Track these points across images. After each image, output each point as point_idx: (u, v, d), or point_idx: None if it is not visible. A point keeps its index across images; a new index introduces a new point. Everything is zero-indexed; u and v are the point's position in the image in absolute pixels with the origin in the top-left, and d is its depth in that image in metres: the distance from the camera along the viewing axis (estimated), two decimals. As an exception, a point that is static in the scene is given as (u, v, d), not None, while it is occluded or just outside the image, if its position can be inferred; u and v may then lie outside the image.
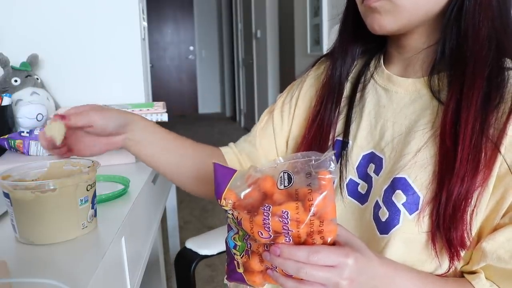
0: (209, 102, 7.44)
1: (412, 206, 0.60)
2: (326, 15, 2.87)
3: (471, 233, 0.58)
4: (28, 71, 1.24)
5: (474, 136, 0.56)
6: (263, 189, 0.51)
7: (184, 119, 6.96)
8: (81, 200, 0.58)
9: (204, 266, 2.17)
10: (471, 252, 0.60)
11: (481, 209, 0.57)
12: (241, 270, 0.56)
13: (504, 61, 0.60)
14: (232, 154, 0.82)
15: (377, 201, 0.63)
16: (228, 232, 0.57)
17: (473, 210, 0.57)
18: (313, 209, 0.48)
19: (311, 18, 3.20)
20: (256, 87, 5.20)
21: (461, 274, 0.62)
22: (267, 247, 0.52)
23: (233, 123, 6.52)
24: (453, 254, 0.58)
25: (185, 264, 0.98)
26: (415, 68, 0.67)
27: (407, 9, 0.60)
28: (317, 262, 0.49)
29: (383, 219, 0.61)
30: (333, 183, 0.51)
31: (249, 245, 0.54)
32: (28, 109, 1.15)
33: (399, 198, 0.60)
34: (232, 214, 0.53)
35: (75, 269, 0.51)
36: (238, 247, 0.55)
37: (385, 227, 0.61)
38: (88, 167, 0.63)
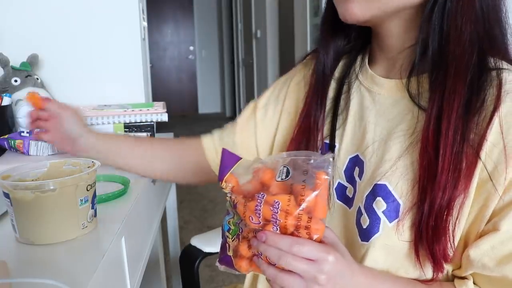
0: (209, 102, 7.44)
1: (392, 214, 0.59)
2: (326, 15, 2.87)
3: (453, 245, 0.57)
4: (28, 71, 1.24)
5: (456, 145, 0.54)
6: (262, 180, 0.54)
7: (184, 119, 6.96)
8: (81, 200, 0.58)
9: (204, 266, 2.17)
10: (461, 256, 0.59)
11: (463, 216, 0.56)
12: (230, 253, 0.58)
13: (488, 61, 0.58)
14: (212, 147, 0.84)
15: (359, 207, 0.62)
16: (225, 215, 0.60)
17: (455, 221, 0.56)
18: (303, 204, 0.50)
19: (311, 18, 3.20)
20: (256, 87, 5.19)
21: (453, 278, 0.61)
22: (255, 234, 0.54)
23: (233, 123, 6.52)
24: (436, 266, 0.57)
25: (189, 261, 1.02)
26: (397, 69, 0.65)
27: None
28: (297, 253, 0.50)
29: (364, 226, 0.61)
30: (329, 185, 0.52)
31: (241, 230, 0.57)
32: (28, 109, 1.15)
33: (380, 205, 0.59)
34: (230, 197, 0.56)
35: (75, 269, 0.51)
36: (231, 230, 0.58)
37: (366, 235, 0.60)
38: (88, 167, 0.63)
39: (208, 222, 2.79)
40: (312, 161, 0.51)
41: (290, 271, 0.51)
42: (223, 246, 0.60)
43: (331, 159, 0.51)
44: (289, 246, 0.51)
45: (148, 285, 1.36)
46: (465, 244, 0.58)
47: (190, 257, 1.02)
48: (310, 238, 0.52)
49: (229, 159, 0.57)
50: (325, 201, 0.51)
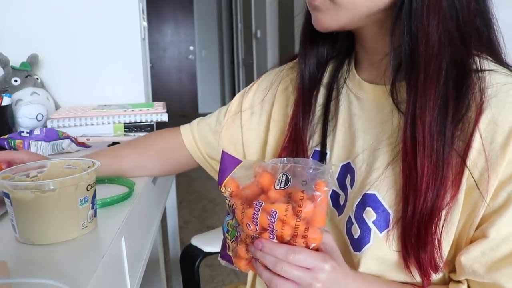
0: (209, 102, 7.44)
1: (382, 224, 0.58)
2: (326, 15, 2.87)
3: (441, 254, 0.56)
4: (28, 71, 1.24)
5: (434, 153, 0.53)
6: (261, 184, 0.54)
7: (184, 119, 6.91)
8: (81, 200, 0.58)
9: (204, 266, 2.17)
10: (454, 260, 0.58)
11: (452, 224, 0.55)
12: (230, 253, 0.60)
13: (472, 62, 0.55)
14: (191, 141, 0.84)
15: (349, 216, 0.62)
16: (226, 215, 0.60)
17: (441, 229, 0.55)
18: (300, 215, 0.50)
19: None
20: (256, 87, 5.18)
21: (449, 280, 0.60)
22: (253, 239, 0.55)
23: (233, 123, 6.51)
24: (423, 275, 0.57)
25: (190, 260, 1.03)
26: (381, 74, 0.62)
27: (346, 7, 0.57)
28: (293, 261, 0.51)
29: (356, 236, 0.60)
30: (328, 194, 0.52)
31: (239, 233, 0.58)
32: (28, 109, 1.15)
33: (370, 215, 0.59)
34: (229, 201, 0.56)
35: (75, 269, 0.51)
36: (230, 232, 0.59)
37: (357, 245, 0.60)
38: (88, 167, 0.63)
39: (208, 222, 2.79)
40: (312, 170, 0.51)
41: (286, 278, 0.52)
42: (224, 245, 0.61)
43: (331, 169, 0.51)
44: (284, 254, 0.51)
45: (148, 285, 1.36)
46: (458, 250, 0.57)
47: (191, 257, 1.03)
48: (307, 247, 0.52)
49: (229, 162, 0.57)
50: (324, 211, 0.52)
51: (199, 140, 0.84)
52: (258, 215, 0.52)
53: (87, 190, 0.59)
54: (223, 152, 0.57)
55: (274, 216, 0.51)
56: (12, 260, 0.53)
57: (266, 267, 0.53)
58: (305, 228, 0.51)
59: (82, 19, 1.34)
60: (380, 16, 0.58)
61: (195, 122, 0.87)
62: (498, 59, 0.58)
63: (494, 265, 0.54)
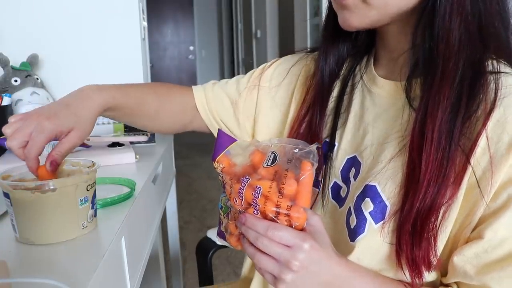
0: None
1: (378, 215, 0.58)
2: (326, 15, 2.87)
3: (435, 252, 0.55)
4: (28, 71, 1.24)
5: (441, 150, 0.53)
6: (252, 162, 0.56)
7: (184, 119, 6.94)
8: (81, 200, 0.58)
9: (204, 266, 2.17)
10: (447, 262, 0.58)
11: (449, 222, 0.55)
12: (223, 229, 0.62)
13: (486, 64, 0.55)
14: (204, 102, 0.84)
15: (349, 207, 0.62)
16: (222, 193, 0.63)
17: (438, 227, 0.55)
18: (283, 191, 0.52)
19: (311, 18, 3.19)
20: (256, 87, 5.18)
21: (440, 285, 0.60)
22: (239, 214, 0.57)
23: (233, 123, 6.52)
24: (414, 272, 0.56)
25: (205, 251, 1.11)
26: (398, 71, 0.63)
27: (377, 7, 0.57)
28: (272, 237, 0.52)
29: (352, 226, 0.61)
30: (313, 175, 0.53)
31: (229, 209, 0.60)
32: (28, 109, 1.15)
33: (367, 206, 0.59)
34: (221, 177, 0.59)
35: (75, 269, 0.51)
36: (223, 208, 0.62)
37: (353, 235, 0.60)
38: (88, 167, 0.63)
39: (208, 222, 2.79)
40: (297, 150, 0.53)
41: (267, 253, 0.53)
42: (219, 222, 0.64)
43: (315, 149, 0.52)
44: (265, 229, 0.52)
45: (148, 285, 1.36)
46: (452, 249, 0.57)
47: (205, 249, 1.11)
48: (290, 226, 0.53)
49: (224, 140, 0.59)
50: (308, 191, 0.53)
51: (214, 104, 0.84)
52: (243, 190, 0.54)
53: (87, 190, 0.59)
54: (219, 130, 0.59)
55: (258, 192, 0.52)
56: (12, 260, 0.53)
57: (251, 243, 0.55)
58: (288, 206, 0.52)
59: (82, 19, 1.34)
60: (406, 14, 0.59)
61: (209, 85, 0.86)
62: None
63: (485, 268, 0.53)
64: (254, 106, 0.81)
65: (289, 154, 0.53)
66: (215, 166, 0.59)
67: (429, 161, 0.53)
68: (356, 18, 0.59)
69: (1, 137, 1.02)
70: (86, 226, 0.60)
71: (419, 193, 0.54)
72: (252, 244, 0.55)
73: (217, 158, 0.58)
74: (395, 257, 0.57)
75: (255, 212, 0.54)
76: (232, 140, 0.59)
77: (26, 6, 1.32)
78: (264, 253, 0.53)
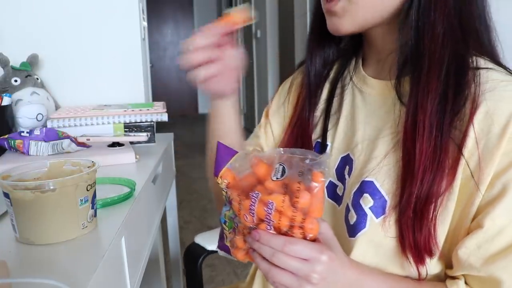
0: (209, 102, 7.43)
1: (378, 210, 0.59)
2: (326, 15, 2.86)
3: (436, 238, 0.57)
4: (28, 71, 1.24)
5: (432, 139, 0.55)
6: (257, 175, 0.54)
7: (184, 119, 6.95)
8: (81, 200, 0.58)
9: (205, 266, 2.17)
10: (451, 254, 0.59)
11: (448, 212, 0.57)
12: (227, 243, 0.60)
13: (470, 60, 0.58)
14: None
15: (347, 204, 0.63)
16: (224, 206, 0.60)
17: (437, 214, 0.56)
18: (297, 205, 0.50)
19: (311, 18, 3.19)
20: (256, 87, 5.19)
21: (445, 278, 0.61)
22: (250, 230, 0.55)
23: (233, 123, 6.51)
24: (418, 260, 0.57)
25: (193, 258, 1.04)
26: (387, 70, 0.66)
27: (364, 7, 0.59)
28: (290, 252, 0.51)
29: (351, 222, 0.61)
30: (325, 185, 0.52)
31: (236, 224, 0.57)
32: (28, 109, 1.15)
33: (367, 201, 0.60)
34: (226, 193, 0.56)
35: (75, 269, 0.51)
36: (227, 223, 0.59)
37: (353, 230, 0.61)
38: (88, 167, 0.63)
39: (208, 222, 2.79)
40: (308, 161, 0.51)
41: (282, 268, 0.52)
42: (221, 235, 0.61)
43: (327, 159, 0.51)
44: (281, 245, 0.51)
45: (148, 285, 1.36)
46: (455, 241, 0.58)
47: (194, 255, 1.04)
48: (305, 238, 0.52)
49: (225, 153, 0.57)
50: (321, 201, 0.52)
51: None
52: (255, 206, 0.52)
53: (87, 190, 0.59)
54: (218, 143, 0.57)
55: (271, 207, 0.51)
56: (12, 260, 0.53)
57: (264, 257, 0.54)
58: (302, 218, 0.51)
59: (82, 19, 1.34)
60: (391, 15, 0.61)
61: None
62: (496, 62, 0.61)
63: (490, 258, 0.55)
64: (272, 139, 0.82)
65: (299, 166, 0.51)
66: (219, 182, 0.56)
67: (422, 149, 0.55)
68: (345, 23, 0.61)
69: (1, 137, 1.02)
70: (86, 226, 0.60)
71: (416, 179, 0.55)
72: (264, 259, 0.54)
73: (220, 173, 0.56)
74: (399, 248, 0.58)
75: (268, 228, 0.52)
76: (233, 152, 0.57)
77: (26, 6, 1.32)
78: (280, 267, 0.53)
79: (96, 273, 0.50)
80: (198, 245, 1.05)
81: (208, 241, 1.06)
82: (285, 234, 0.52)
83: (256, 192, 0.52)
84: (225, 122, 0.75)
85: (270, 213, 0.51)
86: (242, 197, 0.53)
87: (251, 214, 0.52)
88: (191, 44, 0.62)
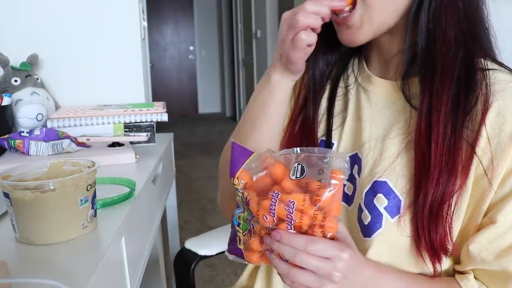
0: (209, 102, 7.44)
1: (393, 210, 0.60)
2: (326, 15, 2.87)
3: (451, 237, 0.58)
4: (28, 71, 1.24)
5: (447, 139, 0.56)
6: (274, 175, 0.53)
7: (184, 119, 6.95)
8: (81, 200, 0.58)
9: (204, 266, 2.17)
10: (460, 250, 0.60)
11: (461, 210, 0.58)
12: (241, 247, 0.58)
13: (477, 62, 0.60)
14: None
15: (359, 204, 0.63)
16: (236, 208, 0.59)
17: (452, 214, 0.57)
18: (319, 204, 0.50)
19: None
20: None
21: (454, 273, 0.63)
22: (269, 231, 0.54)
23: (233, 123, 6.51)
24: (434, 258, 0.59)
25: (184, 264, 0.97)
26: (392, 70, 0.66)
27: (380, 9, 0.59)
28: (313, 251, 0.51)
29: (366, 222, 0.62)
30: (343, 182, 0.52)
31: (251, 226, 0.56)
32: (28, 109, 1.15)
33: (381, 201, 0.61)
34: (242, 194, 0.55)
35: (75, 269, 0.51)
36: (241, 225, 0.57)
37: (368, 230, 0.62)
38: (88, 167, 0.63)
39: (208, 222, 2.79)
40: (327, 159, 0.51)
41: (302, 267, 0.52)
42: (233, 238, 0.60)
43: (347, 158, 0.51)
44: (304, 245, 0.51)
45: (148, 285, 1.36)
46: (465, 238, 0.59)
47: (185, 262, 0.97)
48: (324, 236, 0.53)
49: (240, 154, 0.56)
50: (340, 200, 0.52)
51: None
52: (275, 206, 0.51)
53: (87, 190, 0.59)
54: (233, 143, 0.57)
55: (292, 207, 0.50)
56: (12, 260, 0.53)
57: (282, 259, 0.54)
58: (323, 217, 0.51)
59: (82, 19, 1.34)
60: (399, 16, 0.61)
61: None
62: (498, 63, 0.63)
63: (502, 252, 0.56)
64: None
65: (318, 164, 0.51)
66: (235, 183, 0.55)
67: (437, 149, 0.56)
68: (362, 33, 0.61)
69: (1, 137, 1.02)
70: (86, 226, 0.60)
71: (432, 179, 0.56)
72: (282, 259, 0.54)
73: (237, 174, 0.55)
74: (414, 247, 0.59)
75: (289, 227, 0.52)
76: (249, 152, 0.56)
77: (26, 6, 1.32)
78: (300, 267, 0.53)
79: (96, 273, 0.50)
80: (189, 251, 0.98)
81: (201, 245, 0.99)
82: (304, 233, 0.52)
83: (276, 191, 0.52)
84: (278, 102, 0.67)
85: (292, 213, 0.51)
86: (261, 197, 0.53)
87: (271, 214, 0.52)
88: (309, 5, 0.58)
